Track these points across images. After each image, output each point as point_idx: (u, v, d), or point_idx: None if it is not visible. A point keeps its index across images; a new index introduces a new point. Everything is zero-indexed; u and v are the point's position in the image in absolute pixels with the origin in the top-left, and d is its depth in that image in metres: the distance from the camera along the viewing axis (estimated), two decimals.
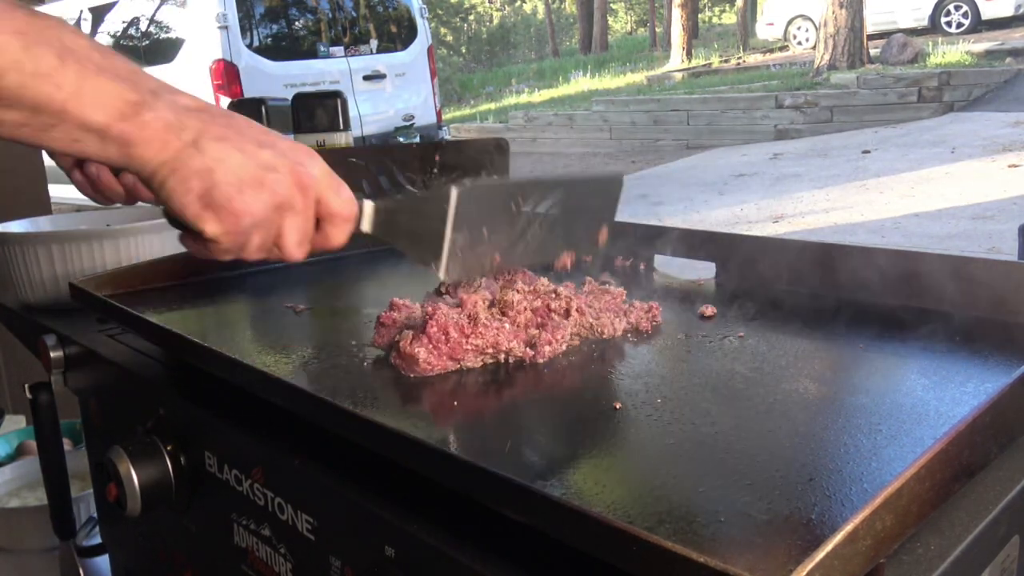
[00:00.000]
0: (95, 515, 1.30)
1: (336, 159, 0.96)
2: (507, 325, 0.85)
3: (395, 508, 0.66)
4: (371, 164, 1.00)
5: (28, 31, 0.63)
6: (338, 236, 0.78)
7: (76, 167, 1.16)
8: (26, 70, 0.62)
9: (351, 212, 0.78)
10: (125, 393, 1.06)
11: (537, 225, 0.89)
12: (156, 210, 1.43)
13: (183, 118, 0.68)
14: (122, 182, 1.15)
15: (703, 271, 1.13)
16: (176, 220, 0.73)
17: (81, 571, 1.29)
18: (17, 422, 2.07)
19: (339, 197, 0.76)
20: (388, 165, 0.99)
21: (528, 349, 0.85)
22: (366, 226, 0.80)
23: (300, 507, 0.76)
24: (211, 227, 0.71)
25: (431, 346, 0.81)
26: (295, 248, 0.76)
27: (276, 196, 0.72)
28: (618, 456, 0.64)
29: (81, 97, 0.64)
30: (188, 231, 0.74)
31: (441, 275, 0.84)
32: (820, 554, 0.44)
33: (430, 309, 0.84)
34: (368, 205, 0.81)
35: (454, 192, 0.81)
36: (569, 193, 0.92)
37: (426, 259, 0.83)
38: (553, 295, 0.89)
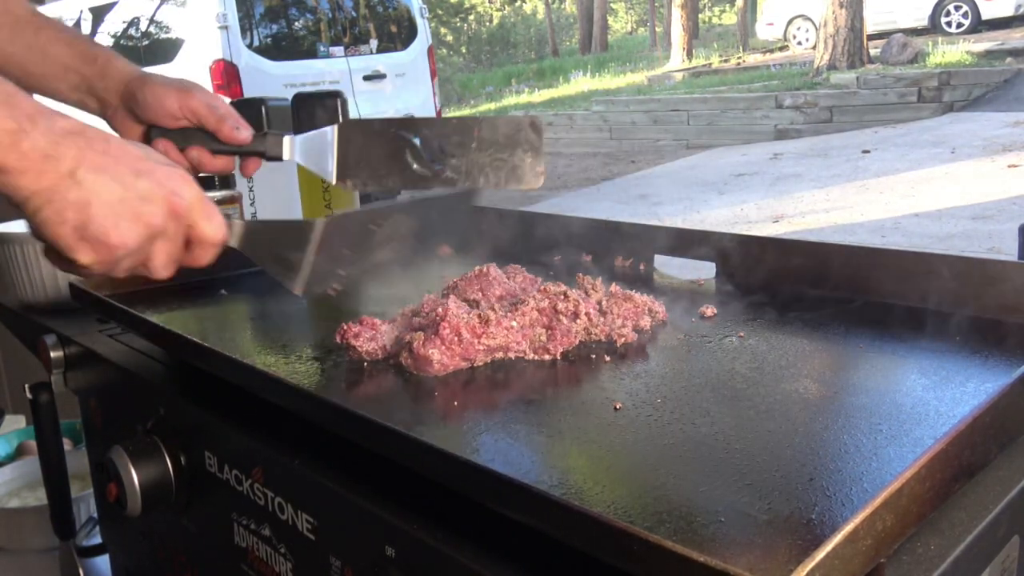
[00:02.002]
0: (95, 515, 1.30)
1: (375, 131, 1.04)
2: (514, 323, 0.85)
3: (395, 508, 0.66)
4: (413, 136, 1.05)
5: None
6: (206, 258, 0.80)
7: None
8: None
9: (220, 238, 0.79)
10: (125, 393, 1.06)
11: (386, 244, 1.01)
12: None
13: (60, 146, 0.67)
14: (186, 156, 1.08)
15: (703, 271, 1.13)
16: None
17: (81, 571, 1.29)
18: (17, 422, 2.07)
19: (210, 224, 0.77)
20: (428, 137, 1.04)
21: (534, 351, 0.85)
22: (234, 242, 0.84)
23: (300, 507, 0.76)
24: (84, 257, 0.70)
25: (444, 347, 0.82)
26: (162, 270, 0.77)
27: (150, 228, 0.72)
28: (618, 456, 0.64)
29: None
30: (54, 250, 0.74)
31: (297, 291, 0.90)
32: (820, 554, 0.44)
33: (441, 311, 0.84)
34: (237, 225, 0.85)
35: (319, 223, 0.89)
36: (418, 214, 1.09)
37: (285, 276, 0.90)
38: (562, 297, 0.89)
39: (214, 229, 0.78)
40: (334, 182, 1.03)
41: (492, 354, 0.84)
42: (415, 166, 1.04)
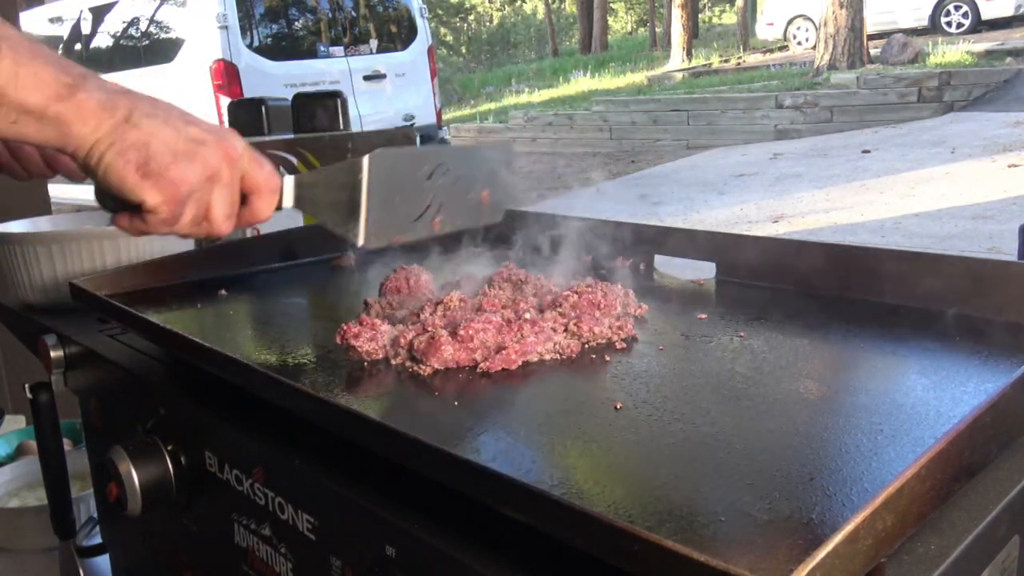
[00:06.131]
0: (95, 515, 1.30)
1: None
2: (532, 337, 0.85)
3: (395, 508, 0.66)
4: (289, 154, 1.06)
5: None
6: (264, 209, 0.82)
7: None
8: None
9: (275, 184, 0.82)
10: (125, 393, 1.06)
11: (442, 193, 0.94)
12: None
13: (114, 98, 0.72)
14: (41, 154, 1.20)
15: (703, 271, 1.13)
16: (108, 199, 0.76)
17: (81, 571, 1.29)
18: (17, 422, 2.07)
19: (262, 170, 0.81)
20: (303, 153, 1.04)
21: (552, 353, 0.85)
22: (288, 201, 0.85)
23: (300, 507, 0.76)
24: (151, 196, 0.74)
25: (459, 345, 0.83)
26: (223, 221, 0.79)
27: (207, 167, 0.76)
28: (619, 456, 0.64)
29: (18, 80, 0.67)
30: (123, 208, 0.77)
31: (360, 241, 0.87)
32: (821, 553, 0.44)
33: (472, 323, 0.84)
34: (288, 179, 0.85)
35: (366, 159, 0.86)
36: (462, 162, 0.99)
37: (345, 229, 0.87)
38: (602, 292, 0.91)
39: (266, 176, 0.81)
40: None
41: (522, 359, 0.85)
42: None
